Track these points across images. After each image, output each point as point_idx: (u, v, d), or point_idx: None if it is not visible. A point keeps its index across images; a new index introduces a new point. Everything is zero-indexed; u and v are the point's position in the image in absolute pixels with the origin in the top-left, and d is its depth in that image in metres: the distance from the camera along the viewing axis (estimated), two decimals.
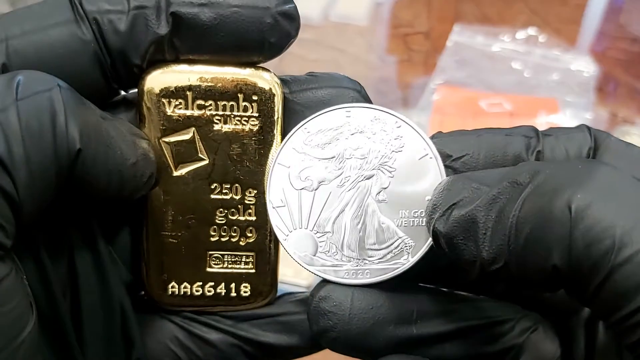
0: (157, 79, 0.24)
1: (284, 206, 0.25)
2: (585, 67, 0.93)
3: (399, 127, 0.24)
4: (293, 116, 0.25)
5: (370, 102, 0.25)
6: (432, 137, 0.25)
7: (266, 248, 0.26)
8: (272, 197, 0.25)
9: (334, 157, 0.25)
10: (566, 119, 0.85)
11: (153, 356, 0.26)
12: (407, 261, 0.25)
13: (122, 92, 0.25)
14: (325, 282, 0.25)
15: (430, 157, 0.24)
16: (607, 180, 0.19)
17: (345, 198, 0.25)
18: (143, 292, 0.27)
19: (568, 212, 0.18)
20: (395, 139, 0.24)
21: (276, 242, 0.26)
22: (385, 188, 0.25)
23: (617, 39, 1.05)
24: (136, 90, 0.24)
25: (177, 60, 0.23)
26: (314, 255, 0.25)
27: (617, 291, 0.17)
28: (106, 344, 0.24)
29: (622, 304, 0.17)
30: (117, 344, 0.25)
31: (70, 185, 0.20)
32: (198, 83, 0.24)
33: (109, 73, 0.22)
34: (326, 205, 0.25)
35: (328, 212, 0.25)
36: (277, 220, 0.25)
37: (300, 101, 0.25)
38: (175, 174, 0.25)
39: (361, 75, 0.98)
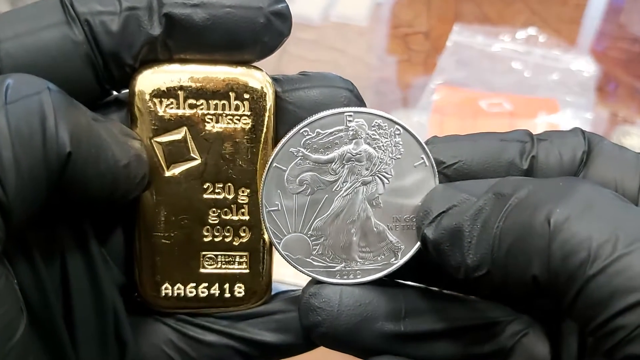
0: (148, 79, 0.24)
1: (279, 210, 0.25)
2: (585, 67, 0.93)
3: (399, 134, 0.24)
4: (285, 115, 0.25)
5: (362, 101, 0.25)
6: (426, 142, 0.25)
7: (260, 247, 0.26)
8: (267, 199, 0.25)
9: (333, 161, 0.25)
10: (566, 118, 0.85)
11: (147, 359, 0.26)
12: (395, 262, 0.26)
13: (114, 93, 0.25)
14: (316, 282, 0.26)
15: (426, 165, 0.25)
16: (586, 196, 0.20)
17: (341, 203, 0.25)
18: (136, 294, 0.26)
19: (547, 226, 0.19)
20: (394, 145, 0.25)
21: (270, 241, 0.26)
22: (381, 194, 0.25)
23: (617, 38, 1.05)
24: (128, 90, 0.24)
25: (169, 60, 0.23)
26: (307, 258, 0.25)
27: (592, 300, 0.18)
28: (99, 347, 0.24)
29: (597, 312, 0.18)
30: (110, 347, 0.25)
31: (62, 189, 0.20)
32: (189, 82, 0.24)
33: (100, 74, 0.22)
34: (322, 210, 0.25)
35: (323, 216, 0.25)
36: (272, 224, 0.25)
37: (293, 100, 0.25)
38: (167, 174, 0.25)
39: (361, 76, 0.98)
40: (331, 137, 0.24)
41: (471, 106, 0.87)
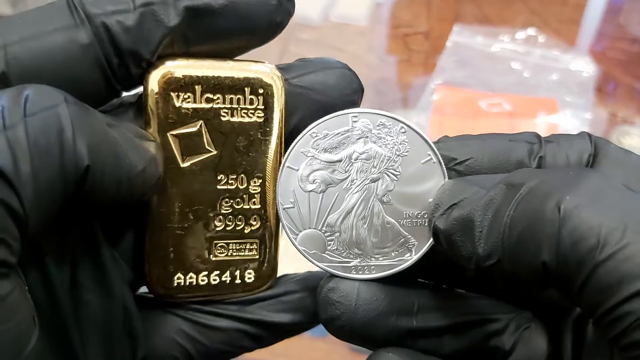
0: (166, 73, 0.24)
1: (294, 207, 0.26)
2: (584, 67, 0.94)
3: (404, 132, 0.25)
4: (299, 99, 0.25)
5: (357, 77, 0.26)
6: (439, 141, 0.26)
7: (268, 234, 0.27)
8: (282, 198, 0.26)
9: (341, 160, 0.26)
10: (566, 119, 0.85)
11: (160, 351, 0.26)
12: (410, 258, 0.26)
13: (124, 93, 0.24)
14: (333, 276, 0.26)
15: (434, 162, 0.25)
16: (595, 185, 0.20)
17: (352, 200, 0.26)
18: (147, 289, 0.27)
19: (557, 213, 0.19)
20: (400, 143, 0.25)
21: (278, 227, 0.27)
22: (391, 190, 0.26)
23: (616, 39, 1.05)
24: (143, 84, 0.24)
25: (186, 54, 0.24)
26: (323, 253, 0.26)
27: (601, 286, 0.18)
28: (111, 345, 0.25)
29: (605, 298, 0.18)
30: (122, 344, 0.25)
31: (79, 199, 0.20)
32: (207, 77, 0.24)
33: (111, 74, 0.22)
34: (334, 207, 0.26)
35: (336, 213, 0.26)
36: (288, 221, 0.26)
37: (304, 84, 0.25)
38: (183, 166, 0.25)
39: (361, 75, 0.97)
40: (339, 137, 0.25)
41: (471, 106, 0.87)
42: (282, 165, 0.25)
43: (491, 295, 0.27)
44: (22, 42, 0.21)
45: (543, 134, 0.26)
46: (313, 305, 0.27)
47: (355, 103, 0.26)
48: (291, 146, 0.25)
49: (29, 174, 0.19)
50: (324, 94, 0.25)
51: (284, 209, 0.26)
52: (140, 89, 0.24)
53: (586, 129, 0.87)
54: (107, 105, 0.24)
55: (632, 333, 0.18)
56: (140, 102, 0.25)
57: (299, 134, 0.25)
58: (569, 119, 0.85)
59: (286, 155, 0.25)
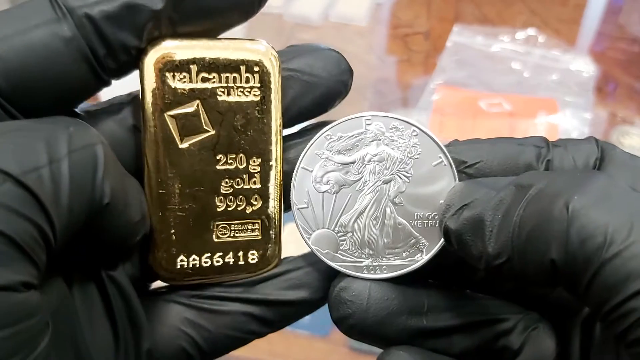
0: (162, 54, 0.24)
1: (308, 207, 0.26)
2: (584, 67, 0.94)
3: (416, 135, 0.26)
4: (290, 82, 0.26)
5: (345, 60, 0.26)
6: (449, 145, 0.27)
7: (271, 214, 0.27)
8: (297, 199, 0.26)
9: (355, 162, 0.26)
10: (566, 119, 0.85)
11: (165, 342, 0.26)
12: (420, 258, 0.27)
13: (113, 82, 0.24)
14: (345, 276, 0.27)
15: (445, 164, 0.26)
16: (602, 186, 0.20)
17: (364, 201, 0.26)
18: (150, 274, 0.27)
19: (566, 212, 0.20)
20: (412, 146, 0.26)
21: (280, 207, 0.27)
22: (402, 192, 0.26)
23: (616, 39, 1.05)
24: (139, 66, 0.24)
25: (174, 35, 0.24)
26: (336, 253, 0.27)
27: (607, 283, 0.19)
28: (115, 338, 0.25)
29: (612, 295, 0.19)
30: (126, 337, 0.25)
31: (87, 234, 0.21)
32: (202, 56, 0.24)
33: (97, 65, 0.22)
34: (347, 207, 0.26)
35: (349, 213, 0.26)
36: (302, 221, 0.26)
37: (294, 67, 0.26)
38: (181, 146, 0.25)
39: (361, 75, 0.98)
40: (353, 140, 0.26)
41: (471, 106, 0.87)
42: (297, 166, 0.26)
43: (500, 296, 0.28)
44: (5, 40, 0.21)
45: (543, 134, 0.26)
46: (317, 280, 0.27)
47: (345, 83, 0.26)
48: (306, 148, 0.26)
49: (66, 207, 0.20)
50: (313, 75, 0.26)
51: (298, 209, 0.26)
52: (132, 86, 0.25)
53: (586, 129, 0.87)
54: (104, 102, 0.25)
55: (637, 329, 0.18)
56: (134, 102, 0.25)
57: (290, 115, 0.26)
58: (569, 119, 0.85)
59: (301, 156, 0.26)
